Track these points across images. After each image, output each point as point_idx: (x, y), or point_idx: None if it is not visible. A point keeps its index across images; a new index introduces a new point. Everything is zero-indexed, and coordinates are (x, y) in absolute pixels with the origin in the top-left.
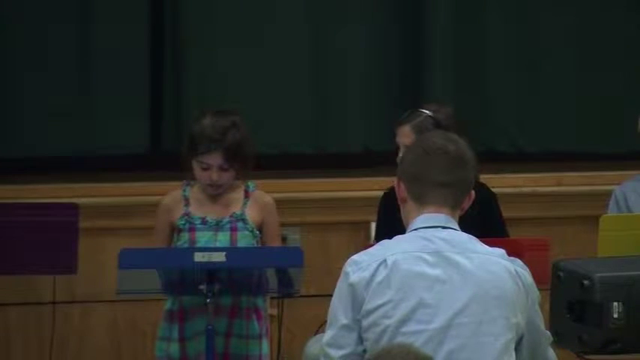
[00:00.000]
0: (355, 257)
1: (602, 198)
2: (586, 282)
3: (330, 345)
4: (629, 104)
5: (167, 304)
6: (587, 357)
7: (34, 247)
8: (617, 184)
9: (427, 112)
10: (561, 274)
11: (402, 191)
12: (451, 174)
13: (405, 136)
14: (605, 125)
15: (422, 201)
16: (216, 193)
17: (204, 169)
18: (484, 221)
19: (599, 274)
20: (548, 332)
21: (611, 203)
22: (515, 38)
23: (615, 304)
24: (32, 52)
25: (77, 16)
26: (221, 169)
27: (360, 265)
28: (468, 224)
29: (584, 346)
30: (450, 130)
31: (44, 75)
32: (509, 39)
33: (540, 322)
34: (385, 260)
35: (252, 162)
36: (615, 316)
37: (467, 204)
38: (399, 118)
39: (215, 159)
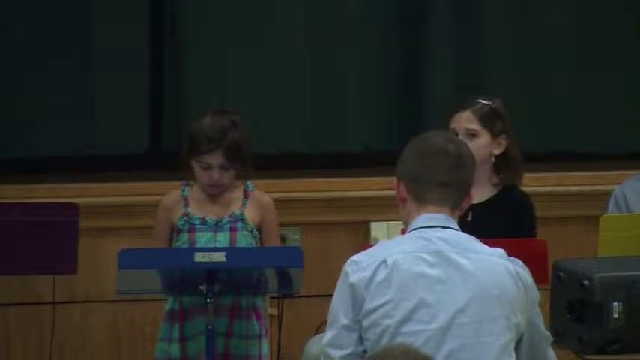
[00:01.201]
0: (355, 257)
1: (602, 198)
2: (586, 282)
3: (330, 345)
4: (629, 104)
5: (168, 305)
6: (587, 357)
7: (34, 247)
8: (617, 184)
9: (485, 101)
10: (561, 274)
11: (401, 191)
12: (451, 174)
13: (466, 121)
14: (605, 125)
15: (422, 201)
16: (216, 194)
17: (205, 169)
18: (513, 222)
19: (599, 274)
20: (548, 332)
21: (611, 203)
22: (515, 38)
23: (615, 304)
24: (32, 52)
25: (77, 16)
26: (222, 168)
27: (360, 265)
28: (496, 225)
29: (584, 346)
30: (508, 121)
31: (44, 75)
32: (509, 39)
33: (540, 322)
34: (385, 260)
35: (252, 162)
36: (615, 316)
37: (466, 204)
38: (454, 106)
39: (216, 159)
